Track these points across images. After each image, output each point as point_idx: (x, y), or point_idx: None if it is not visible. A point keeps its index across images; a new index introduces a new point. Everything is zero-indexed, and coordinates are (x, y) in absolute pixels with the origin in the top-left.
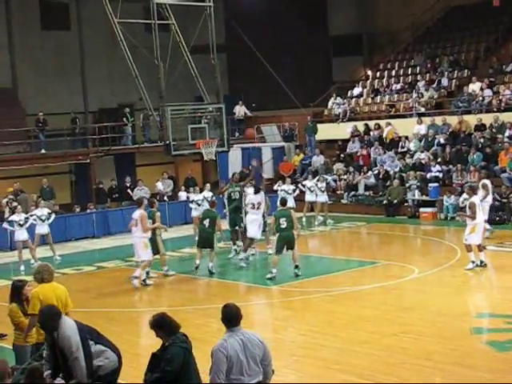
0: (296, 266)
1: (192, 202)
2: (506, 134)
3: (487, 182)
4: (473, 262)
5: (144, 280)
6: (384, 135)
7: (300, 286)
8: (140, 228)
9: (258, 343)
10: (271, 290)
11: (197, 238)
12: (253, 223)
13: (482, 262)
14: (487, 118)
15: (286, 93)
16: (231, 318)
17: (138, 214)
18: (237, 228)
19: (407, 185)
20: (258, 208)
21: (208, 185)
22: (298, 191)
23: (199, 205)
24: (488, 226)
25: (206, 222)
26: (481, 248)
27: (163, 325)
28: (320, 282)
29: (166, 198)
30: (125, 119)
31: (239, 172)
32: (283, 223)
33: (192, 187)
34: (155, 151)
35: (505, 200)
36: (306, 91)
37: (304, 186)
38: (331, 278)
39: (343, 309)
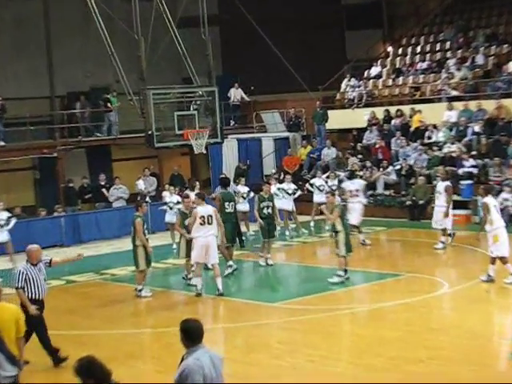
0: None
1: (165, 204)
2: None
3: None
4: None
5: (140, 290)
6: (408, 123)
7: (307, 302)
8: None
9: (220, 357)
10: (273, 308)
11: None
12: (353, 211)
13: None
14: None
15: (290, 74)
16: (199, 334)
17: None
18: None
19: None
20: (355, 196)
21: (197, 183)
22: (299, 192)
23: (171, 208)
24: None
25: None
26: (504, 260)
27: (93, 372)
28: (331, 298)
29: (148, 198)
30: (109, 104)
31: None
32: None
33: (182, 186)
34: (135, 143)
35: None
36: (315, 72)
37: (312, 184)
38: (345, 294)
39: (359, 330)
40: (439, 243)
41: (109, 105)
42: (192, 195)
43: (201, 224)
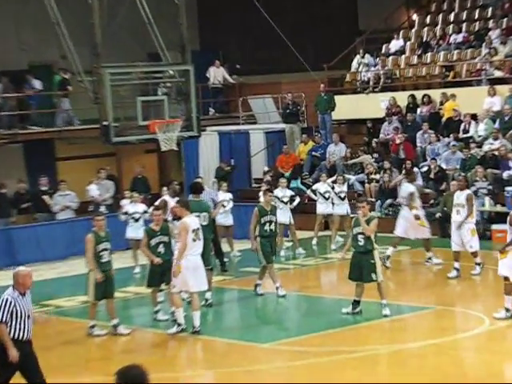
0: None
1: (126, 214)
2: None
3: None
4: None
5: (92, 327)
6: (438, 113)
7: (308, 342)
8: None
9: None
10: (263, 350)
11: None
12: (401, 219)
13: None
14: None
15: (287, 48)
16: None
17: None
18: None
19: (473, 189)
20: (411, 201)
21: (165, 188)
22: (297, 200)
23: (136, 220)
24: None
25: None
26: None
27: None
28: (338, 338)
29: (102, 208)
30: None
31: (217, 169)
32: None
33: (143, 193)
34: (87, 137)
35: None
36: (318, 46)
37: (315, 191)
38: (356, 332)
39: (375, 378)
40: (476, 267)
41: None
42: (172, 203)
43: (193, 240)
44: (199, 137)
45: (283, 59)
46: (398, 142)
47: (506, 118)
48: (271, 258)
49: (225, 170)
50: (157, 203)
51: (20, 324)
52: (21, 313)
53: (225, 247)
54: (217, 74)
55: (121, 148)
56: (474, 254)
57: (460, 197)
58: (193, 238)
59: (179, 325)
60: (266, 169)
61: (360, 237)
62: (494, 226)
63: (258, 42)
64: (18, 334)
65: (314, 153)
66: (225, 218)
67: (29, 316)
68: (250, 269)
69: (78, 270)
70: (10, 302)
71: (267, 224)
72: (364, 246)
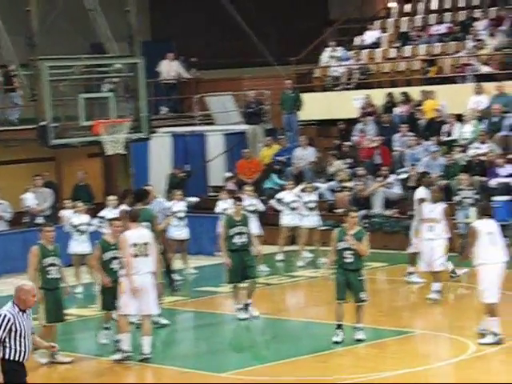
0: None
1: (74, 227)
2: None
3: None
4: None
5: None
6: (418, 113)
7: (271, 371)
8: None
9: None
10: (220, 380)
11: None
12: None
13: None
14: None
15: (249, 40)
16: None
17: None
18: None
19: (456, 198)
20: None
21: (111, 198)
22: (261, 207)
23: (82, 233)
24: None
25: None
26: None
27: None
28: (308, 366)
29: (39, 219)
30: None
31: (169, 175)
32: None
33: (85, 202)
34: (22, 139)
35: None
36: (284, 38)
37: (280, 200)
38: (327, 359)
39: None
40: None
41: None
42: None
43: (134, 256)
44: (149, 139)
45: (245, 52)
46: (365, 146)
47: (495, 119)
48: (237, 277)
49: (178, 176)
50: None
51: (19, 344)
52: (20, 332)
53: (178, 264)
54: (170, 69)
55: (61, 151)
56: (439, 276)
57: (434, 210)
58: (134, 253)
59: (124, 352)
60: (229, 175)
61: (347, 253)
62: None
63: (216, 33)
64: (15, 355)
65: (279, 157)
66: (178, 231)
67: (28, 337)
68: (207, 288)
69: (11, 291)
70: (9, 319)
71: (236, 236)
72: (354, 262)
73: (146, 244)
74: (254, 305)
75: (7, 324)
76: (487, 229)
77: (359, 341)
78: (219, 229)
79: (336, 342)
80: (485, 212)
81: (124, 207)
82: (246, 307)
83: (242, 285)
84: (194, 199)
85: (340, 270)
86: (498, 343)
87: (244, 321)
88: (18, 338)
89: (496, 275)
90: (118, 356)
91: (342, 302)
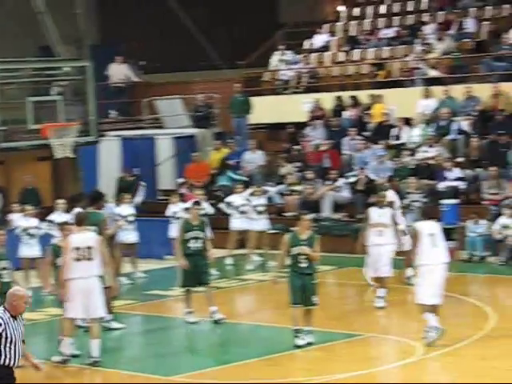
0: None
1: (23, 230)
2: None
3: None
4: None
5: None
6: (367, 116)
7: (221, 375)
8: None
9: None
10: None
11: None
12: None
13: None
14: None
15: (198, 44)
16: None
17: None
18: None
19: (405, 202)
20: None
21: (60, 201)
22: (209, 210)
23: (31, 236)
24: None
25: None
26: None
27: None
28: (257, 369)
29: None
30: None
31: (118, 179)
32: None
33: (34, 205)
34: None
35: None
36: (234, 41)
37: (229, 204)
38: (276, 362)
39: None
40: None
41: None
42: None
43: (76, 259)
44: (98, 142)
45: (194, 56)
46: (322, 148)
47: (442, 123)
48: (190, 281)
49: (127, 180)
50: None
51: (8, 350)
52: (11, 338)
53: (127, 267)
54: (119, 72)
55: (9, 155)
56: (385, 281)
57: (383, 215)
58: (76, 257)
59: (63, 355)
60: (181, 180)
61: (302, 258)
62: None
63: (166, 37)
64: (4, 361)
65: (228, 161)
66: (128, 235)
67: (19, 343)
68: (156, 292)
69: None
70: (0, 325)
71: (192, 241)
72: (309, 267)
73: (89, 248)
74: (218, 310)
75: None
76: (429, 230)
77: (309, 344)
78: (171, 232)
79: (298, 346)
80: (427, 214)
81: (78, 210)
82: (211, 315)
83: (194, 289)
84: (140, 198)
85: (295, 275)
86: (440, 335)
87: (193, 324)
88: (8, 344)
89: (436, 276)
90: (57, 358)
91: (298, 307)
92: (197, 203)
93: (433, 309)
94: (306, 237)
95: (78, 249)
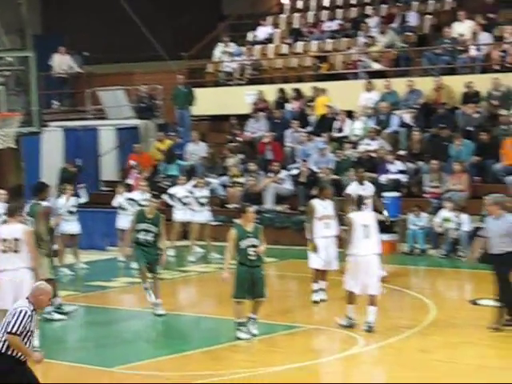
0: None
1: None
2: None
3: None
4: None
5: None
6: (309, 109)
7: (161, 366)
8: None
9: None
10: (109, 374)
11: None
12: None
13: None
14: (483, 82)
15: (141, 35)
16: None
17: None
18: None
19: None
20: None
21: (1, 192)
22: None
23: None
24: None
25: None
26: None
27: None
28: (199, 360)
29: None
30: None
31: (61, 169)
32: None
33: None
34: None
35: None
36: (177, 33)
37: (172, 196)
38: (218, 353)
39: None
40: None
41: None
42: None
43: (2, 251)
44: (41, 133)
45: (137, 47)
46: (265, 140)
47: (383, 117)
48: (143, 260)
49: (70, 171)
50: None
51: (25, 343)
52: (28, 331)
53: (69, 258)
54: (62, 62)
55: None
56: (325, 274)
57: (328, 207)
58: (3, 248)
59: None
60: (133, 163)
61: (251, 250)
62: None
63: (109, 27)
64: (17, 353)
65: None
66: (70, 226)
67: (32, 337)
68: (98, 283)
69: None
70: (29, 316)
71: (142, 232)
72: (258, 259)
73: (16, 240)
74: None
75: (26, 320)
76: (363, 221)
77: (253, 336)
78: (118, 223)
79: (240, 339)
80: (359, 206)
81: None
82: (154, 307)
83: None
84: (83, 199)
85: (244, 268)
86: (351, 327)
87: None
88: (25, 338)
89: (365, 267)
90: None
91: (241, 301)
92: (156, 196)
93: (351, 296)
94: (251, 229)
95: (4, 240)
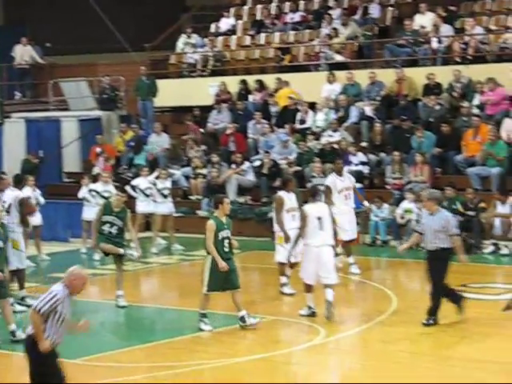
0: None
1: None
2: (476, 101)
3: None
4: None
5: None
6: (272, 100)
7: (123, 357)
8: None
9: None
10: (71, 366)
11: None
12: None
13: None
14: (444, 74)
15: (103, 26)
16: None
17: None
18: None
19: (309, 185)
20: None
21: None
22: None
23: None
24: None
25: None
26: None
27: None
28: (161, 351)
29: None
30: None
31: (22, 161)
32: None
33: None
34: None
35: (471, 213)
36: (139, 24)
37: (135, 187)
38: (180, 345)
39: None
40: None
41: None
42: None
43: None
44: (3, 124)
45: (100, 38)
46: (228, 132)
47: (346, 109)
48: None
49: (32, 162)
50: None
51: (55, 327)
52: (59, 315)
53: (31, 249)
54: (24, 53)
55: None
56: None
57: (292, 199)
58: None
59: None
60: (99, 150)
61: (227, 242)
62: None
63: (71, 18)
64: (50, 336)
65: (133, 144)
66: (31, 217)
67: (64, 323)
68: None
69: None
70: (58, 299)
71: (107, 225)
72: (230, 251)
73: None
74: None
75: (55, 302)
76: (317, 213)
77: (251, 324)
78: (83, 214)
79: (203, 330)
80: (315, 195)
81: None
82: (117, 298)
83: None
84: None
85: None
86: (311, 315)
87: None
88: (55, 321)
89: (319, 258)
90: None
91: (212, 293)
92: (122, 190)
93: (308, 287)
94: (226, 221)
95: None
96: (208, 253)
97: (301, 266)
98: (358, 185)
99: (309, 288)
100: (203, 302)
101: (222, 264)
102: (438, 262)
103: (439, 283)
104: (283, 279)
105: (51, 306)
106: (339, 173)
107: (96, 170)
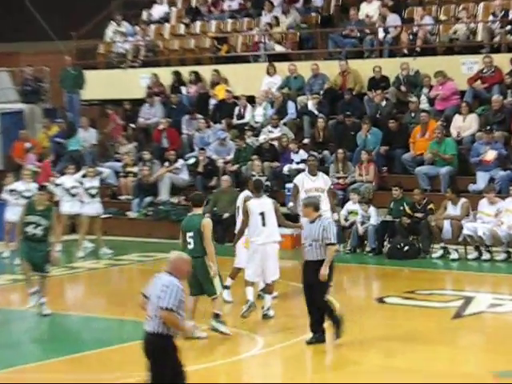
0: None
1: None
2: (424, 95)
3: None
4: None
5: None
6: (208, 94)
7: (48, 369)
8: None
9: None
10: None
11: None
12: None
13: None
14: (391, 66)
15: (29, 13)
16: None
17: None
18: None
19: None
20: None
21: None
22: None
23: None
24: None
25: None
26: None
27: None
28: (89, 363)
29: None
30: None
31: None
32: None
33: None
34: None
35: (419, 215)
36: (66, 10)
37: (59, 185)
38: (109, 355)
39: None
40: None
41: None
42: None
43: None
44: None
45: (23, 25)
46: (160, 127)
47: (283, 103)
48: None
49: None
50: None
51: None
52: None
53: None
54: None
55: None
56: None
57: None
58: None
59: None
60: (29, 145)
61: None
62: None
63: None
64: (169, 330)
65: (58, 139)
66: None
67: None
68: None
69: None
70: (182, 290)
71: (31, 226)
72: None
73: None
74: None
75: (180, 294)
76: (259, 209)
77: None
78: (6, 215)
79: (223, 333)
80: (258, 190)
81: None
82: (39, 307)
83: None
84: None
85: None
86: (250, 307)
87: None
88: (181, 309)
89: (263, 255)
90: None
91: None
92: (42, 188)
93: (251, 283)
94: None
95: None
96: (201, 255)
97: (246, 265)
98: None
99: (250, 282)
100: (220, 303)
101: (215, 268)
102: (316, 275)
103: (322, 297)
104: (229, 281)
105: (178, 297)
106: (312, 172)
107: (31, 168)
